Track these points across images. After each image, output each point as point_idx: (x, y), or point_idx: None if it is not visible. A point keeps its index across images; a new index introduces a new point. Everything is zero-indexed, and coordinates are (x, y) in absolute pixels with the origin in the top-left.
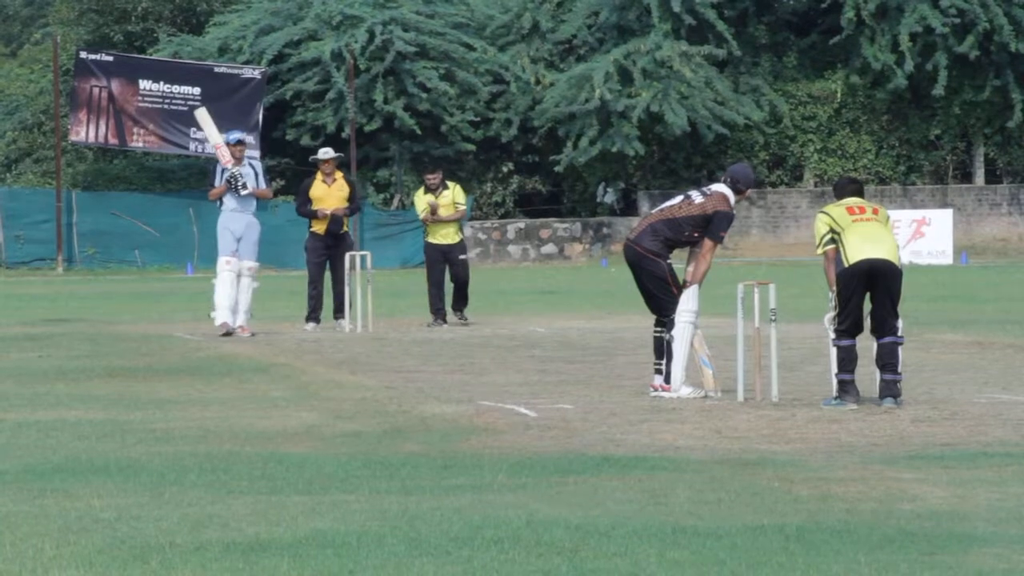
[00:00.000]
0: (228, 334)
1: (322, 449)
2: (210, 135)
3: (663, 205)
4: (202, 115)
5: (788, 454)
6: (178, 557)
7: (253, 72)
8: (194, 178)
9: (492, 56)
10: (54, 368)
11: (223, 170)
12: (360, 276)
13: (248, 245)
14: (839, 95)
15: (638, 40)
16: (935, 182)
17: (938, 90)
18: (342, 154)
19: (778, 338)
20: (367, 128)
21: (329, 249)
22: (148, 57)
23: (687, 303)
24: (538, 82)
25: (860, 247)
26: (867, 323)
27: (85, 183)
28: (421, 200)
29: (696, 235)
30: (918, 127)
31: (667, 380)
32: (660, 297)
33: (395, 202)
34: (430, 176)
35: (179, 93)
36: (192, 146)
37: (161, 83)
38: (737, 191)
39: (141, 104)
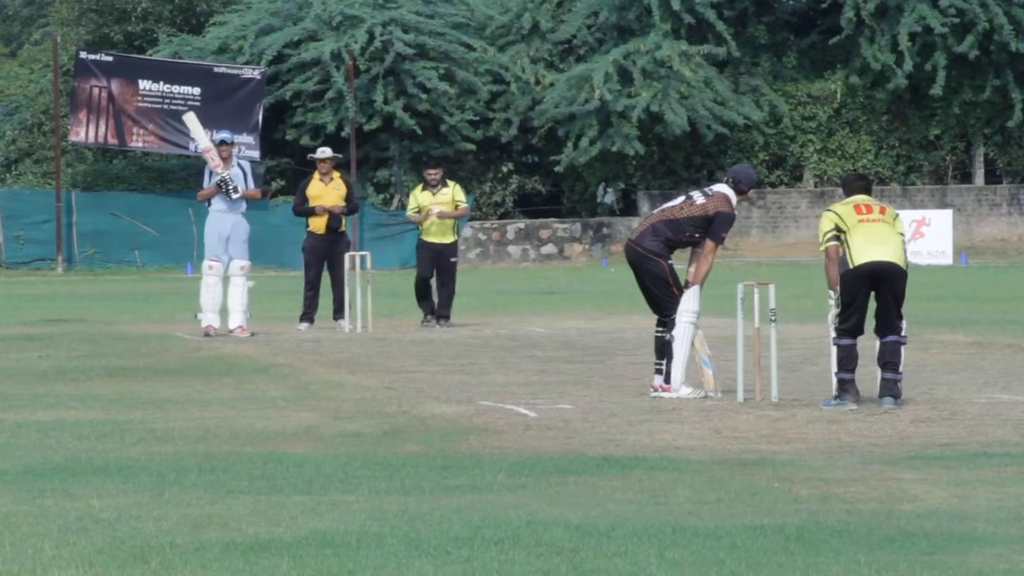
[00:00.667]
0: (208, 335)
1: (322, 449)
2: (199, 139)
3: (664, 205)
4: (190, 119)
5: (788, 454)
6: (178, 557)
7: (253, 72)
8: (194, 178)
9: (492, 56)
10: (54, 368)
11: (212, 173)
12: (360, 276)
13: (237, 244)
14: (839, 95)
15: (638, 40)
16: (935, 182)
17: (937, 90)
18: (340, 155)
19: (778, 338)
20: (367, 128)
21: (327, 250)
22: (148, 57)
23: (688, 303)
24: (538, 82)
25: (864, 249)
26: (871, 324)
27: (85, 183)
28: (416, 198)
29: (697, 235)
30: (918, 127)
31: (667, 380)
32: (661, 297)
33: (395, 202)
34: (431, 171)
35: (179, 93)
36: (192, 146)
37: (161, 83)
38: (739, 191)
39: (141, 104)
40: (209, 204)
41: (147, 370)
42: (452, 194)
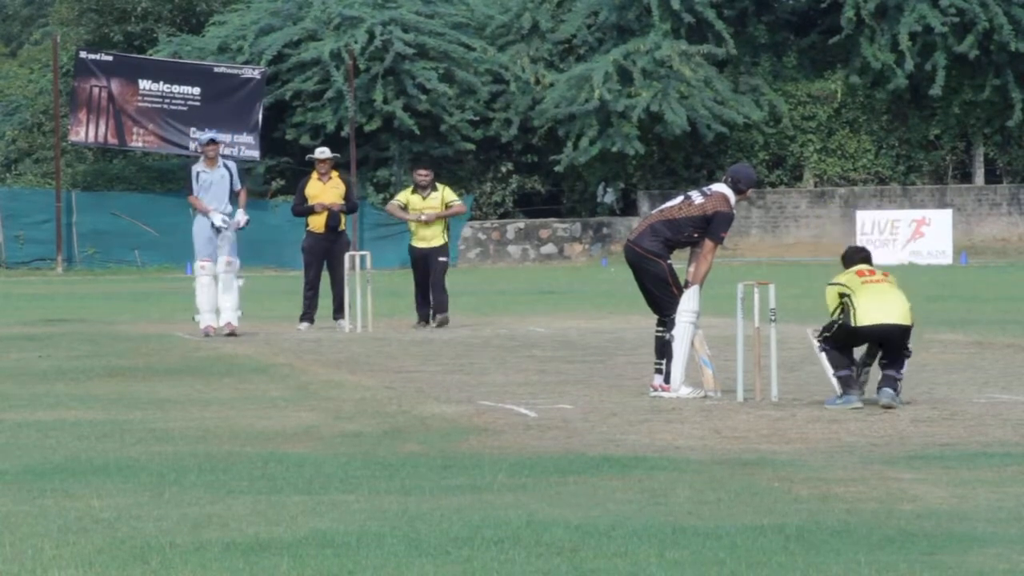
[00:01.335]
0: (207, 335)
1: (322, 449)
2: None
3: (663, 206)
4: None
5: (788, 454)
6: (178, 557)
7: (253, 72)
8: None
9: (492, 56)
10: (54, 368)
11: (196, 174)
12: (360, 276)
13: (225, 242)
14: (839, 95)
15: (638, 40)
16: (935, 182)
17: (937, 90)
18: (338, 154)
19: (778, 338)
20: (366, 128)
21: (327, 249)
22: (148, 57)
23: (688, 303)
24: (538, 82)
25: (870, 310)
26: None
27: (85, 183)
28: (402, 196)
29: (696, 235)
30: (918, 127)
31: (667, 380)
32: (661, 297)
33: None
34: (422, 172)
35: (179, 93)
36: (192, 146)
37: (161, 83)
38: (738, 191)
39: (141, 104)
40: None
41: (147, 370)
42: (442, 197)
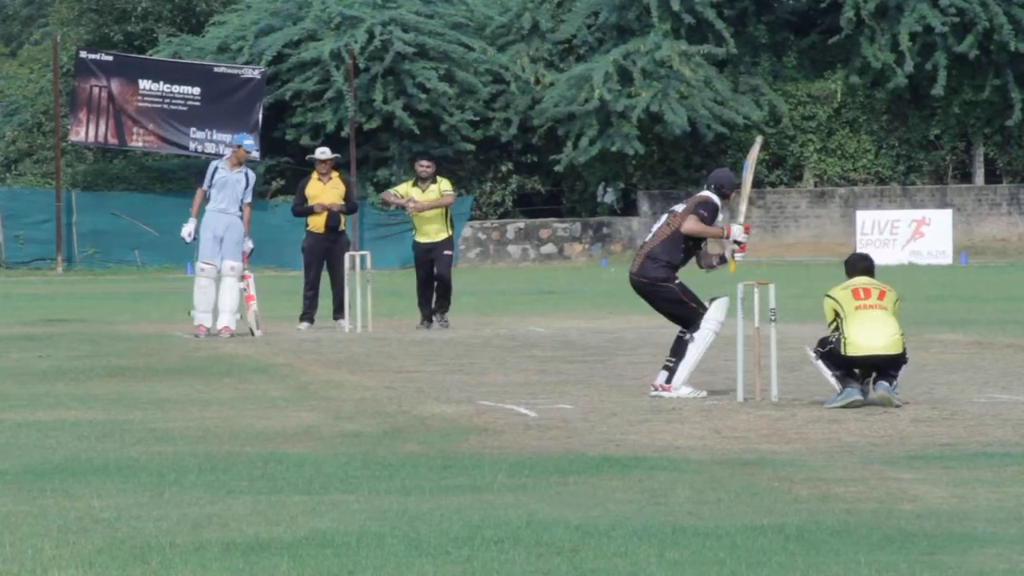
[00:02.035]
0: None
1: (322, 449)
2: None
3: (653, 229)
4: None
5: (788, 454)
6: (178, 557)
7: (253, 72)
8: (194, 178)
9: (492, 56)
10: (54, 368)
11: (215, 170)
12: (360, 276)
13: (230, 245)
14: (839, 95)
15: (638, 40)
16: (935, 182)
17: (938, 90)
18: (339, 155)
19: (778, 338)
20: (366, 128)
21: (327, 249)
22: (148, 57)
23: (715, 312)
24: (538, 82)
25: (858, 340)
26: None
27: (85, 183)
28: (402, 188)
29: (691, 244)
30: (918, 127)
31: (668, 380)
32: (681, 315)
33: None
34: (424, 163)
35: (179, 93)
36: (192, 146)
37: (161, 83)
38: (722, 195)
39: (141, 104)
40: (207, 201)
41: (147, 370)
42: (439, 190)
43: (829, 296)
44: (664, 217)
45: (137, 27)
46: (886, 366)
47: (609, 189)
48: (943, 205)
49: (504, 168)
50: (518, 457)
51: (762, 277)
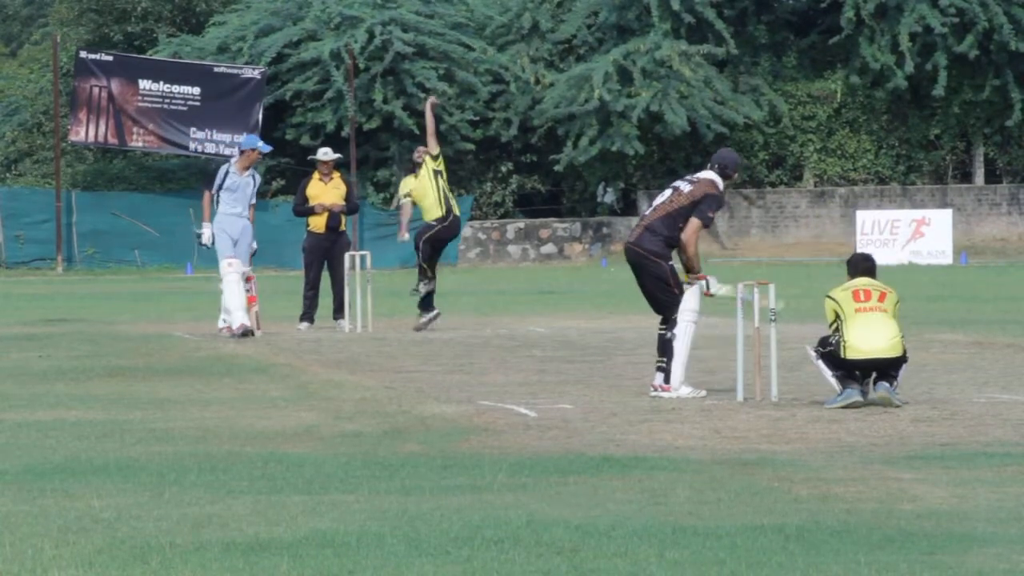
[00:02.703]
0: (248, 333)
1: (322, 449)
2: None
3: (655, 203)
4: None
5: (788, 454)
6: (178, 557)
7: (253, 72)
8: (194, 178)
9: (491, 56)
10: (54, 368)
11: (225, 174)
12: (360, 276)
13: (242, 248)
14: (839, 95)
15: (638, 40)
16: (935, 182)
17: (938, 90)
18: (340, 155)
19: (778, 338)
20: (366, 127)
21: (327, 249)
22: (148, 57)
23: (689, 303)
24: (538, 82)
25: (858, 343)
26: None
27: (85, 183)
28: (405, 186)
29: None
30: (918, 127)
31: (667, 380)
32: (661, 298)
33: (394, 202)
34: (423, 148)
35: (179, 93)
36: (192, 146)
37: (161, 83)
38: (725, 175)
39: (141, 104)
40: (217, 204)
41: (147, 370)
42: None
43: (830, 297)
44: (668, 192)
45: (137, 27)
46: (886, 367)
47: (609, 189)
48: (943, 205)
49: (504, 168)
50: (518, 457)
51: (762, 277)
